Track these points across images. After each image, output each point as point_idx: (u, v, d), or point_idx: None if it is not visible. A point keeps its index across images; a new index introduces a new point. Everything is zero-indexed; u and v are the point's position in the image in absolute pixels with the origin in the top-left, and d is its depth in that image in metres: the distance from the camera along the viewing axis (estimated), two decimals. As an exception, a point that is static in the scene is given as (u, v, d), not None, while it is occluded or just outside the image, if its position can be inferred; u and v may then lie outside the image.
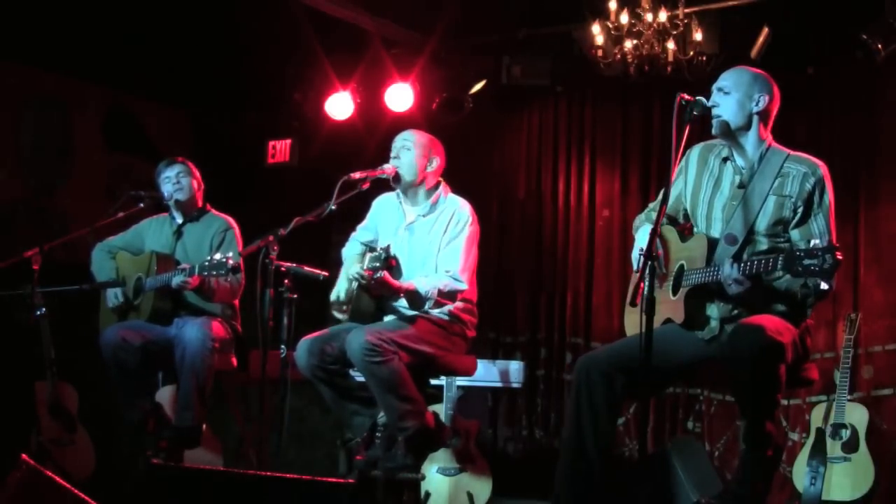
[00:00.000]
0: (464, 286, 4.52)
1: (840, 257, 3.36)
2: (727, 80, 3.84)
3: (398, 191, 4.73)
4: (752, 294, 3.64)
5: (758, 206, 3.77)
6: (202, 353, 4.94)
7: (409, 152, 4.64)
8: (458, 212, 4.63)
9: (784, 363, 3.63)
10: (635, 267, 4.01)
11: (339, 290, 4.62)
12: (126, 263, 5.34)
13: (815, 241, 3.48)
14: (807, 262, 3.38)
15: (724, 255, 3.72)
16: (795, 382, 4.06)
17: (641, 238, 3.98)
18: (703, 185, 3.95)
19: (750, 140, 3.85)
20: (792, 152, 3.86)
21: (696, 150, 4.02)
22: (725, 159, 3.90)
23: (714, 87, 3.85)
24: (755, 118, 3.83)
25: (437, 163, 4.70)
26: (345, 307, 4.59)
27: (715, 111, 3.79)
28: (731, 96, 3.80)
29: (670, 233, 3.98)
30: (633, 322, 4.03)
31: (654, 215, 4.13)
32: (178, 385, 5.07)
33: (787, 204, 3.76)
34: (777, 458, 3.81)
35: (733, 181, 3.87)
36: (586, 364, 3.86)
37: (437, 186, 4.71)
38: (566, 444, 3.89)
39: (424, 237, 4.62)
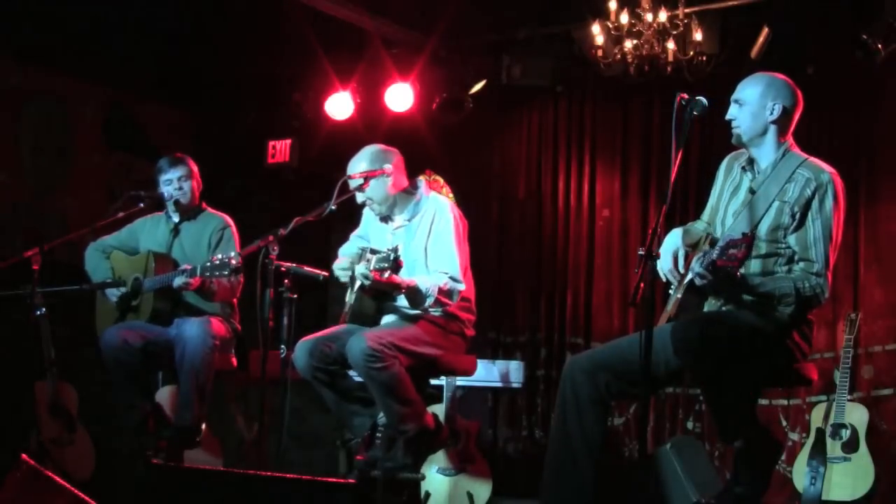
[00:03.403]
0: (463, 286, 4.53)
1: (744, 253, 3.44)
2: (742, 91, 3.86)
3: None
4: (720, 289, 3.69)
5: (762, 210, 3.79)
6: (202, 352, 4.94)
7: (372, 181, 4.59)
8: (438, 211, 4.62)
9: (727, 355, 3.59)
10: (662, 275, 3.99)
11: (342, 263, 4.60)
12: (121, 263, 5.32)
13: (813, 251, 3.57)
14: (731, 250, 3.44)
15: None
16: (795, 382, 4.07)
17: (667, 240, 3.98)
18: (724, 191, 3.99)
19: (766, 147, 3.85)
20: (809, 158, 3.84)
21: (725, 161, 4.06)
22: (744, 168, 3.93)
23: (732, 97, 3.86)
24: (771, 127, 3.82)
25: (392, 167, 4.62)
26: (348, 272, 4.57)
27: (734, 123, 3.83)
28: (745, 108, 3.82)
29: (700, 237, 4.01)
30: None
31: (697, 225, 4.12)
32: (178, 384, 5.06)
33: (785, 209, 3.77)
34: (773, 456, 3.82)
35: (748, 188, 3.89)
36: (570, 364, 3.91)
37: (415, 186, 4.70)
38: (551, 445, 3.89)
39: (411, 241, 4.62)
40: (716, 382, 3.66)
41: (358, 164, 4.65)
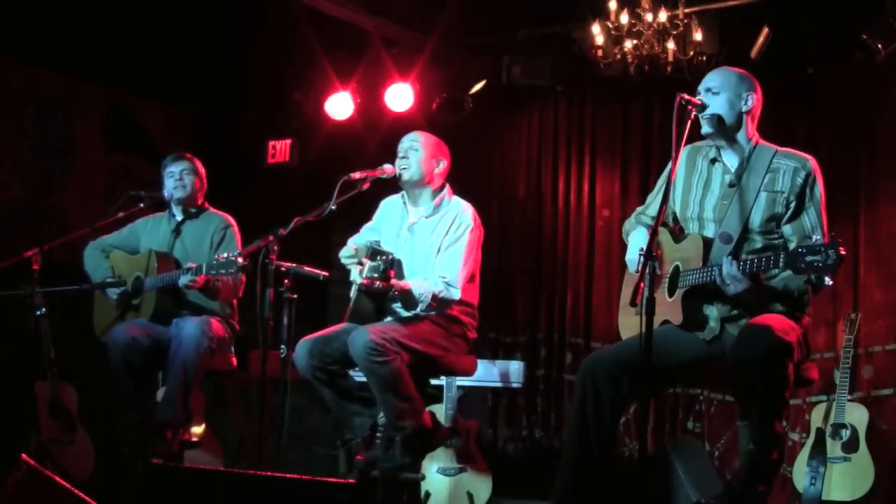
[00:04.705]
0: (456, 296, 4.52)
1: (844, 252, 3.34)
2: (715, 80, 3.85)
3: (403, 192, 4.74)
4: (750, 293, 3.63)
5: (750, 203, 3.78)
6: (196, 352, 4.93)
7: (417, 153, 4.64)
8: (460, 215, 4.63)
9: (792, 362, 3.63)
10: (632, 269, 4.01)
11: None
12: (121, 262, 5.33)
13: (815, 237, 3.49)
14: (809, 258, 3.36)
15: (721, 254, 3.72)
16: (795, 382, 4.06)
17: (638, 238, 3.99)
18: (692, 186, 3.96)
19: (739, 139, 3.86)
20: (780, 148, 3.88)
21: (683, 154, 4.01)
22: (713, 160, 3.91)
23: (701, 88, 3.85)
24: (744, 117, 3.85)
25: (443, 165, 4.70)
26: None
27: (706, 112, 3.80)
28: (720, 96, 3.82)
29: (663, 234, 3.98)
30: (626, 325, 4.04)
31: (644, 218, 4.15)
32: (167, 379, 5.05)
33: (779, 199, 3.78)
34: (780, 461, 3.81)
35: (723, 181, 3.88)
36: (592, 366, 3.84)
37: (441, 188, 4.71)
38: (569, 444, 3.88)
39: (426, 239, 4.63)
40: (774, 387, 3.63)
41: (414, 139, 4.68)
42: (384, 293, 4.50)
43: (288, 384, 4.43)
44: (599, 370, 3.79)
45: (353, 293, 4.65)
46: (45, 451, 5.33)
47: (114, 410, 5.15)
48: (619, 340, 4.06)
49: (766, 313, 3.71)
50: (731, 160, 3.89)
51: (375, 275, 4.25)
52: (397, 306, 4.54)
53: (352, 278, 4.48)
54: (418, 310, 4.46)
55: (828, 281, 3.53)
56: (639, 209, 4.24)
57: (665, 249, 3.95)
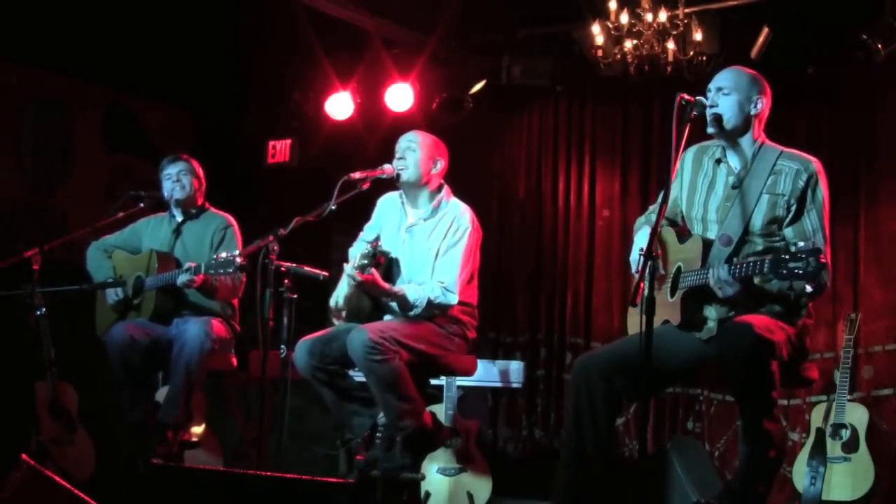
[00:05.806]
0: (454, 301, 4.50)
1: (823, 260, 3.33)
2: (726, 80, 3.83)
3: (401, 191, 4.73)
4: (744, 296, 3.63)
5: (752, 205, 3.77)
6: (200, 353, 4.94)
7: (415, 153, 4.62)
8: (458, 218, 4.61)
9: (776, 360, 3.62)
10: (633, 268, 4.01)
11: (338, 294, 4.61)
12: (123, 262, 5.33)
13: (802, 243, 3.48)
14: (791, 265, 3.35)
15: (719, 256, 3.72)
16: (795, 382, 4.07)
17: (640, 239, 3.99)
18: (698, 186, 3.95)
19: (745, 141, 3.85)
20: (785, 149, 3.86)
21: (690, 153, 4.01)
22: (719, 161, 3.90)
23: (712, 86, 3.84)
24: (752, 120, 3.83)
25: (441, 165, 4.68)
26: (342, 313, 4.58)
27: (713, 111, 3.78)
28: (731, 97, 3.80)
29: (669, 234, 3.97)
30: (634, 322, 4.03)
31: (654, 217, 4.14)
32: (170, 380, 5.06)
33: (780, 202, 3.77)
34: (780, 460, 3.81)
35: (727, 182, 3.87)
36: (585, 365, 3.85)
37: (439, 189, 4.70)
38: (566, 446, 3.89)
39: (424, 241, 4.61)
40: (758, 385, 3.63)
41: (411, 139, 4.65)
42: (378, 297, 4.49)
43: (288, 384, 4.43)
44: (592, 371, 3.80)
45: (343, 285, 4.62)
46: (45, 451, 5.33)
47: (114, 410, 5.15)
48: (621, 338, 4.06)
49: (760, 314, 3.70)
50: (735, 161, 3.87)
51: (365, 262, 4.24)
52: (395, 305, 4.54)
53: (347, 272, 4.47)
54: (413, 313, 4.46)
55: (807, 288, 3.50)
56: (651, 207, 4.23)
57: (670, 250, 3.94)
